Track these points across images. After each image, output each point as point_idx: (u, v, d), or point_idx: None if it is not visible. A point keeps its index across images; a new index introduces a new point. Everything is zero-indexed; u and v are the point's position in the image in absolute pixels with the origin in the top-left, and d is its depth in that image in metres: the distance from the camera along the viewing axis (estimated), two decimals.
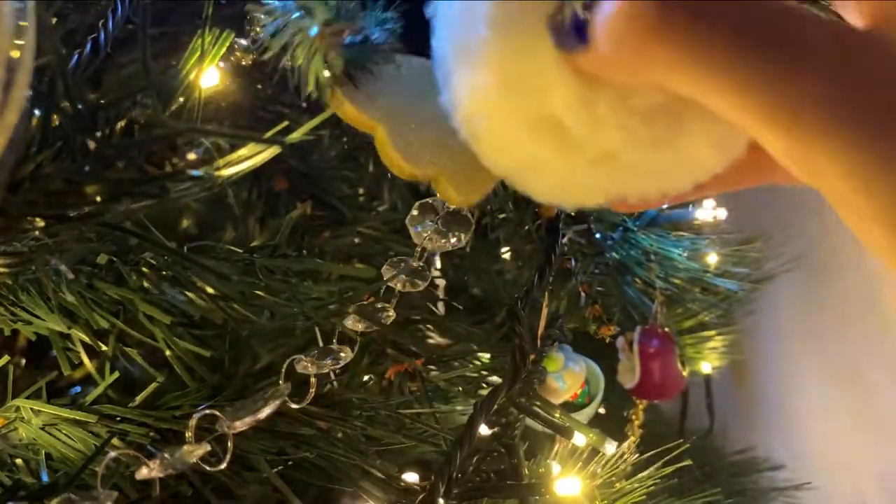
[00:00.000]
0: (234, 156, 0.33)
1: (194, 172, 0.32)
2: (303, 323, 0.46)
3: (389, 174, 0.76)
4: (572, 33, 0.24)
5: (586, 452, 0.55)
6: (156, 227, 0.43)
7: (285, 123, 0.35)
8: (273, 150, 0.34)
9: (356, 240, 0.55)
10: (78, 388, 0.60)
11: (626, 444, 0.55)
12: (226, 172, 0.33)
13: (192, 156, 0.32)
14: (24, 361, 0.63)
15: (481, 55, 0.26)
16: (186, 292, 0.43)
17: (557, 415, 0.53)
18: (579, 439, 0.51)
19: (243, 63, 0.41)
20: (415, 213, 0.46)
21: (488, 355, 0.57)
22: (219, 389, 0.48)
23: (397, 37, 0.39)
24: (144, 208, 0.32)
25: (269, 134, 0.33)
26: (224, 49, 0.34)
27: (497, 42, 0.26)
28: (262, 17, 0.32)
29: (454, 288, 0.71)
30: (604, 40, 0.23)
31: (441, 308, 0.62)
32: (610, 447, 0.53)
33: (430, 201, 0.46)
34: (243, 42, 0.40)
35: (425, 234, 0.45)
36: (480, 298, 0.78)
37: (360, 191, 0.74)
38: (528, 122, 0.27)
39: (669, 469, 0.55)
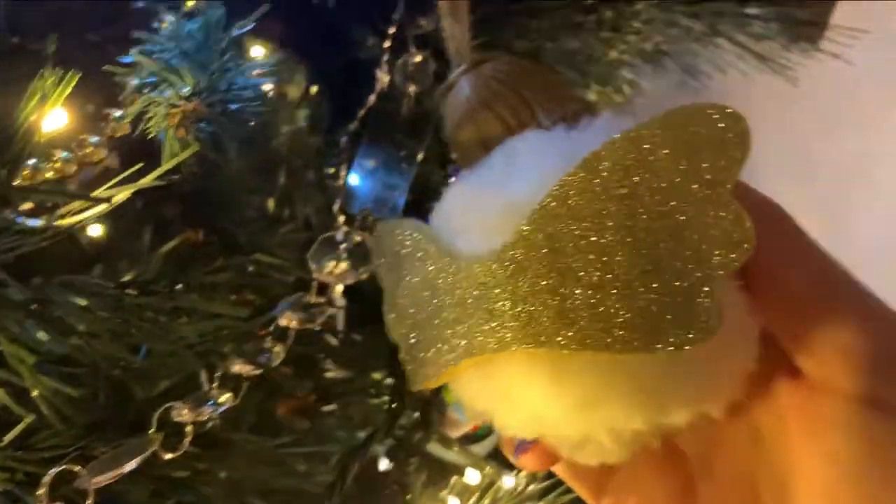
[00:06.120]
0: (76, 204, 0.31)
1: (31, 222, 0.30)
2: (181, 361, 0.44)
3: (304, 185, 0.74)
4: None
5: (485, 482, 0.54)
6: (21, 260, 0.40)
7: (139, 165, 0.33)
8: (127, 192, 0.32)
9: (250, 268, 0.53)
10: None
11: (523, 474, 0.55)
12: (67, 221, 0.31)
13: (27, 205, 0.30)
14: None
15: None
16: (49, 331, 0.40)
17: (455, 450, 0.53)
18: (473, 476, 0.51)
19: (118, 135, 0.38)
20: (316, 248, 0.44)
21: (392, 381, 0.56)
22: (95, 427, 0.46)
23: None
24: None
25: (117, 180, 0.31)
26: (69, 89, 0.32)
27: None
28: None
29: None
30: None
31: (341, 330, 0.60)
32: (508, 481, 0.53)
33: (332, 235, 0.45)
34: (117, 113, 0.38)
35: (327, 269, 0.43)
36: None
37: (272, 203, 0.72)
38: None
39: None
